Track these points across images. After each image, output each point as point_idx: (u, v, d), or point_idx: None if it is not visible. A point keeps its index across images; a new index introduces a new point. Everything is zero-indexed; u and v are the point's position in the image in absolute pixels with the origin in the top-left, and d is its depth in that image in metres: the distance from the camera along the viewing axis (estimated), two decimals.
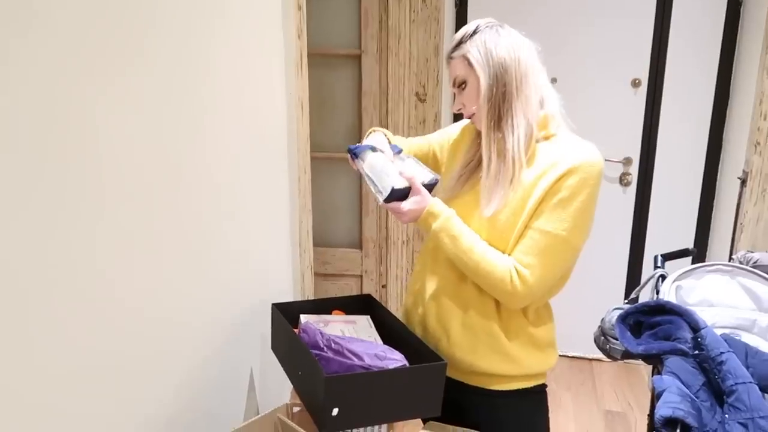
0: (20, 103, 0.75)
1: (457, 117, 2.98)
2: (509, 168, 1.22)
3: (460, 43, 1.26)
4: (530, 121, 1.24)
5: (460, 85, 1.28)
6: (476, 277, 1.25)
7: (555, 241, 1.19)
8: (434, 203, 1.27)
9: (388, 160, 1.32)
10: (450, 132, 1.50)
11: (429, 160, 1.51)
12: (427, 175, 1.31)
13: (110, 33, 0.91)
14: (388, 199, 1.26)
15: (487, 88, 1.23)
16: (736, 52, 2.80)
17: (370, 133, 1.50)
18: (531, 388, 1.33)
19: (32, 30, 0.76)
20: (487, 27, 1.26)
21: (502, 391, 1.31)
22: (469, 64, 1.25)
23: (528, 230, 1.21)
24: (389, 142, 1.42)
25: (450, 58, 1.30)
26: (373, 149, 1.35)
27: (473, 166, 1.32)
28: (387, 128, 2.74)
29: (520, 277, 1.20)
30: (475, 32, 1.25)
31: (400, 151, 1.37)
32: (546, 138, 1.26)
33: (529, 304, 1.28)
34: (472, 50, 1.24)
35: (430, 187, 1.31)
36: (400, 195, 1.27)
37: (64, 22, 0.81)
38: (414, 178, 1.26)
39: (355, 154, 1.36)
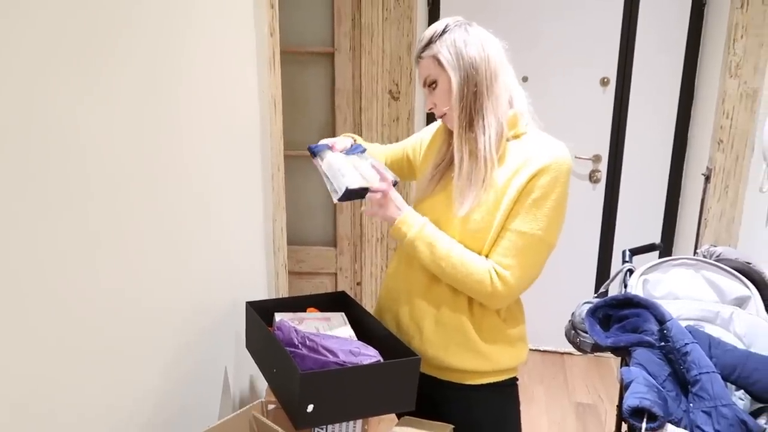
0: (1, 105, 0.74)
1: (431, 115, 3.00)
2: (481, 168, 1.23)
3: (429, 42, 1.26)
4: (501, 120, 1.25)
5: (431, 85, 1.28)
6: (455, 281, 1.26)
7: (532, 241, 1.22)
8: (406, 214, 1.28)
9: (346, 160, 1.32)
10: (423, 135, 1.51)
11: (404, 165, 1.52)
12: (389, 176, 1.32)
13: (85, 34, 0.90)
14: (342, 199, 1.26)
15: (459, 89, 1.23)
16: (700, 52, 2.88)
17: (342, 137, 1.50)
18: (502, 381, 1.35)
19: (9, 30, 0.75)
20: (456, 26, 1.26)
21: (474, 385, 1.33)
22: (440, 64, 1.24)
23: (505, 231, 1.23)
24: (354, 143, 1.42)
25: (419, 57, 1.29)
26: (332, 149, 1.35)
27: (444, 166, 1.33)
28: (360, 126, 2.75)
29: (500, 278, 1.22)
30: (444, 31, 1.25)
31: (363, 151, 1.37)
32: (516, 137, 1.28)
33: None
34: (443, 50, 1.24)
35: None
36: (355, 195, 1.27)
37: (41, 23, 0.80)
38: (381, 178, 1.27)
39: (314, 153, 1.36)
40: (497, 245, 1.24)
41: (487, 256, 1.26)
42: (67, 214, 0.89)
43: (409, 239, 1.27)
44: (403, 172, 1.53)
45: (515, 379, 1.40)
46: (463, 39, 1.24)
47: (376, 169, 1.30)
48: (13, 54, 0.77)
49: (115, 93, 0.99)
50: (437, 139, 1.41)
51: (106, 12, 0.96)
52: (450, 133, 1.32)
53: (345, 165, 1.30)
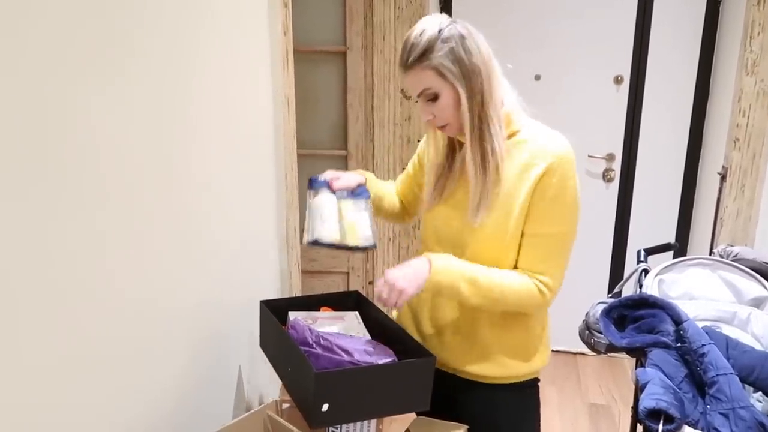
0: (12, 104, 0.74)
1: None
2: (491, 174, 1.20)
3: (426, 51, 1.15)
4: (501, 122, 1.21)
5: (432, 97, 1.19)
6: (506, 306, 1.23)
7: (559, 240, 1.22)
8: (435, 267, 1.20)
9: (335, 206, 1.29)
10: (419, 151, 1.46)
11: (415, 190, 1.47)
12: (362, 239, 1.28)
13: (101, 33, 0.91)
14: (310, 244, 1.26)
15: (467, 100, 1.17)
16: (715, 50, 2.85)
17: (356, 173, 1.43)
18: (524, 382, 1.35)
19: (24, 31, 0.75)
20: (449, 29, 1.16)
21: (494, 384, 1.33)
22: (442, 76, 1.16)
23: (531, 238, 1.22)
24: (364, 184, 1.37)
25: (411, 67, 1.17)
26: (330, 188, 1.32)
27: (446, 176, 1.30)
28: (373, 125, 2.75)
29: (544, 285, 1.22)
30: (439, 39, 1.15)
31: (367, 198, 1.33)
32: (512, 135, 1.23)
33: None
34: (444, 62, 1.15)
35: (358, 249, 1.29)
36: (327, 246, 1.26)
37: (57, 21, 0.81)
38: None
39: (311, 185, 1.35)
40: (527, 253, 1.22)
41: (516, 265, 1.24)
42: (80, 214, 0.90)
43: (449, 283, 1.20)
44: (416, 198, 1.47)
45: (537, 379, 1.39)
46: (462, 45, 1.15)
47: (358, 228, 1.26)
48: (29, 54, 0.78)
49: (129, 92, 1.00)
50: (432, 148, 1.34)
51: (122, 12, 0.97)
52: (448, 142, 1.29)
53: (330, 213, 1.27)
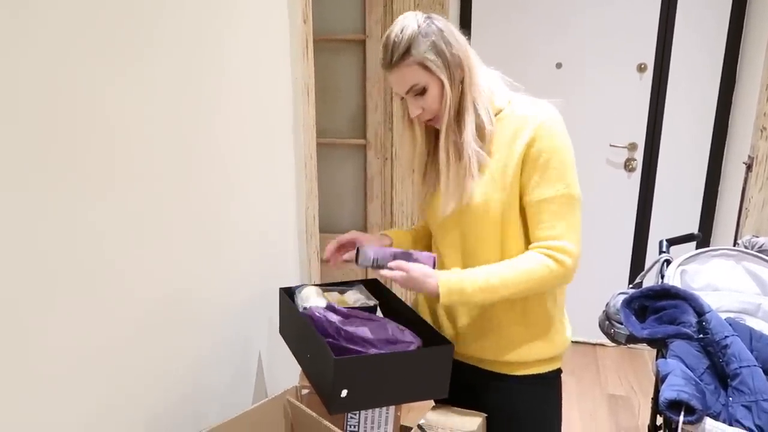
0: (32, 91, 0.75)
1: None
2: (466, 162, 1.22)
3: (409, 48, 1.18)
4: (486, 106, 1.23)
5: (420, 91, 1.21)
6: (529, 291, 1.22)
7: (562, 201, 1.21)
8: (443, 292, 1.19)
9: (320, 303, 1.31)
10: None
11: None
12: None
13: (123, 21, 0.92)
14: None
15: (450, 90, 1.20)
16: (742, 37, 2.78)
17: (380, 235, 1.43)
18: (546, 373, 1.34)
19: (44, 20, 0.76)
20: (426, 24, 1.20)
21: (516, 376, 1.32)
22: (427, 69, 1.18)
23: (535, 206, 1.22)
24: (390, 243, 1.38)
25: (395, 66, 1.20)
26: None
27: (434, 165, 1.31)
28: (392, 114, 2.74)
29: (559, 251, 1.20)
30: (419, 34, 1.18)
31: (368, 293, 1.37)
32: (496, 113, 1.25)
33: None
34: (428, 55, 1.18)
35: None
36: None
37: (76, 10, 0.82)
38: None
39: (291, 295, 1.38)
40: (537, 222, 1.22)
41: (529, 240, 1.25)
42: (100, 204, 0.91)
43: (464, 299, 1.21)
44: None
45: (559, 370, 1.38)
46: (442, 38, 1.19)
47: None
48: (48, 43, 0.79)
49: (151, 82, 1.01)
50: (408, 146, 1.36)
51: (144, 2, 0.97)
52: (430, 133, 1.30)
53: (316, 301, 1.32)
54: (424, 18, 1.20)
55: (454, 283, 1.19)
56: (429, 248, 1.46)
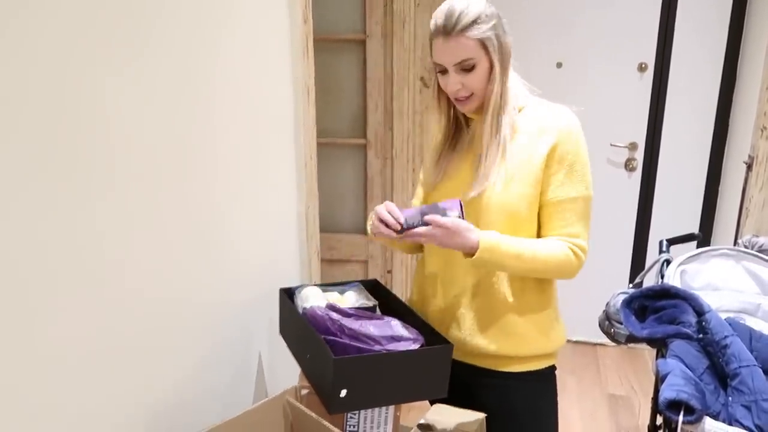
0: (38, 90, 0.75)
1: None
2: (502, 147, 1.27)
3: (475, 22, 1.20)
4: (514, 101, 1.29)
5: (470, 67, 1.23)
6: (546, 273, 1.28)
7: (582, 202, 1.28)
8: (483, 246, 1.21)
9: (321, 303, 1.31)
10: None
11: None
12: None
13: (122, 20, 0.92)
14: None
15: (500, 75, 1.24)
16: (743, 36, 2.78)
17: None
18: (541, 370, 1.35)
19: (46, 16, 0.76)
20: (490, 9, 1.24)
21: (512, 373, 1.33)
22: (485, 49, 1.22)
23: (559, 204, 1.27)
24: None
25: (455, 35, 1.20)
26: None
27: (449, 153, 1.35)
28: (392, 113, 2.74)
29: (579, 248, 1.27)
30: (484, 14, 1.22)
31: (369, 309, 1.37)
32: (519, 110, 1.31)
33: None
34: (490, 35, 1.22)
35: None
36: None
37: (77, 8, 0.82)
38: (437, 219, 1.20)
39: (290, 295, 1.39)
40: (561, 219, 1.27)
41: (546, 234, 1.29)
42: (100, 204, 0.91)
43: (496, 260, 1.22)
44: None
45: (553, 367, 1.39)
46: (500, 23, 1.24)
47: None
48: (48, 42, 0.79)
49: (149, 83, 1.01)
50: (438, 124, 1.39)
51: (142, 3, 0.97)
52: (452, 120, 1.34)
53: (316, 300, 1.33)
54: (485, 0, 1.25)
55: (493, 242, 1.22)
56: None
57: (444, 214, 1.20)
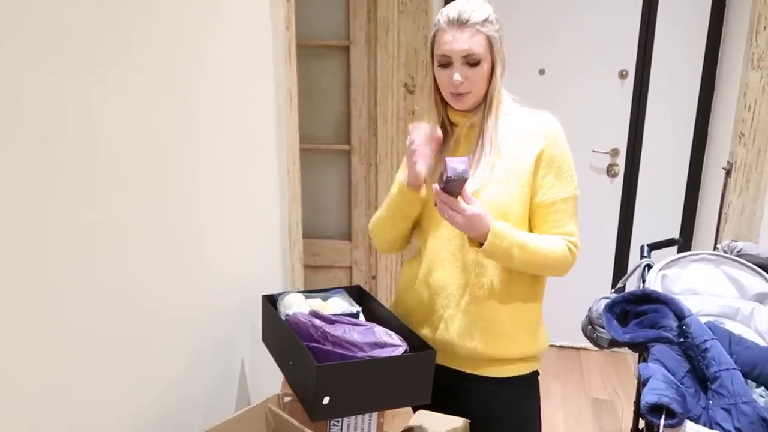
0: (17, 98, 0.74)
1: None
2: (495, 147, 1.31)
3: (485, 21, 1.27)
4: (504, 104, 1.35)
5: (474, 63, 1.27)
6: (545, 268, 1.31)
7: (573, 202, 1.33)
8: (494, 232, 1.23)
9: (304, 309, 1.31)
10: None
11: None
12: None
13: (104, 26, 0.91)
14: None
15: (500, 74, 1.30)
16: (721, 44, 2.83)
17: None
18: (525, 375, 1.35)
19: (27, 23, 0.75)
20: (495, 15, 1.30)
21: (495, 378, 1.33)
22: (491, 48, 1.28)
23: (553, 205, 1.31)
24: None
25: (468, 26, 1.25)
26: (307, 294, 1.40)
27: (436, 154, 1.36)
28: (376, 119, 2.74)
29: (574, 245, 1.32)
30: (492, 14, 1.29)
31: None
32: (506, 114, 1.35)
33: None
34: (495, 35, 1.28)
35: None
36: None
37: (58, 16, 0.81)
38: None
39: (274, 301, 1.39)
40: (556, 219, 1.31)
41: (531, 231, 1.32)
42: (78, 212, 0.90)
43: (505, 248, 1.24)
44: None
45: (537, 372, 1.39)
46: (501, 30, 1.30)
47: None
48: (32, 47, 0.78)
49: (130, 86, 1.00)
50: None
51: (124, 4, 0.96)
52: (439, 122, 1.37)
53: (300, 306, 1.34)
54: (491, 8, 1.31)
55: (506, 230, 1.25)
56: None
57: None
